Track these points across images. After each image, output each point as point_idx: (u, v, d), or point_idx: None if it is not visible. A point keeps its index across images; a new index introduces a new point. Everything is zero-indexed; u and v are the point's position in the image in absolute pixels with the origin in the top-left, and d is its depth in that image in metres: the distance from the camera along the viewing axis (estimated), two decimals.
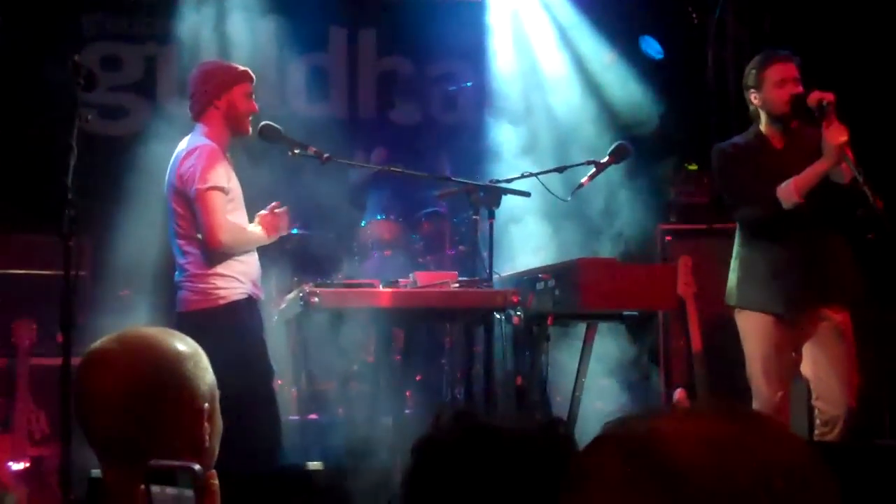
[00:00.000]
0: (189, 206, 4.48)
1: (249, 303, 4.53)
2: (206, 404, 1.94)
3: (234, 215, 4.56)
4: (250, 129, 4.67)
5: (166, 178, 4.63)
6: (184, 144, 4.61)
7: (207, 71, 4.73)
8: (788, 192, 4.40)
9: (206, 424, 1.93)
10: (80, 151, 3.82)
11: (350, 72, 8.01)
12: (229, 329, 4.36)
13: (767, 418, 0.99)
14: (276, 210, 4.69)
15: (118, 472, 1.87)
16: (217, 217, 4.45)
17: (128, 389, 1.85)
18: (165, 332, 2.00)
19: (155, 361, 1.89)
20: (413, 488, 1.43)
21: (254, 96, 4.70)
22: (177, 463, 1.76)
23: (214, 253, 4.48)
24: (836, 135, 4.29)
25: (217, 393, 1.99)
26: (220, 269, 4.46)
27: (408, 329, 4.76)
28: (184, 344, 1.96)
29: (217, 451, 2.00)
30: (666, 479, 0.92)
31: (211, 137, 4.57)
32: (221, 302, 4.45)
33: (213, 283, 4.46)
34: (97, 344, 1.93)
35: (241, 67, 4.72)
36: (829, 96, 4.37)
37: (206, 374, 1.96)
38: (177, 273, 4.58)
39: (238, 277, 4.49)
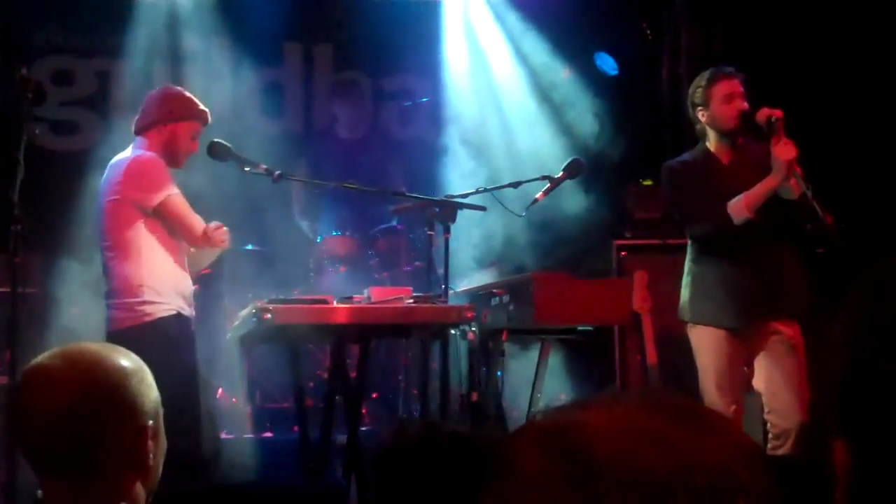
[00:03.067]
0: (129, 215, 4.40)
1: (179, 319, 4.44)
2: (151, 422, 1.92)
3: None
4: (182, 166, 4.65)
5: (102, 188, 4.53)
6: (125, 154, 4.54)
7: (167, 95, 4.68)
8: (739, 207, 4.44)
9: (149, 442, 1.91)
10: (31, 167, 3.77)
11: (305, 87, 7.98)
12: (156, 346, 4.25)
13: (709, 413, 0.93)
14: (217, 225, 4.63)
15: (58, 491, 1.84)
16: (191, 215, 4.48)
17: (70, 406, 1.83)
18: (110, 347, 1.97)
19: (98, 378, 1.87)
20: (379, 500, 1.40)
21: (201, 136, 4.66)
22: None
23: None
24: (785, 151, 4.33)
25: (161, 410, 1.97)
26: (147, 284, 4.37)
27: (363, 345, 4.72)
28: (128, 360, 1.94)
29: (161, 470, 1.97)
30: (579, 470, 0.87)
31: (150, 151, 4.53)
32: (147, 319, 4.36)
33: (140, 300, 4.37)
34: (39, 359, 1.91)
35: (202, 107, 4.65)
36: (777, 112, 4.40)
37: (150, 391, 1.94)
38: (105, 291, 4.50)
39: (166, 293, 4.40)
